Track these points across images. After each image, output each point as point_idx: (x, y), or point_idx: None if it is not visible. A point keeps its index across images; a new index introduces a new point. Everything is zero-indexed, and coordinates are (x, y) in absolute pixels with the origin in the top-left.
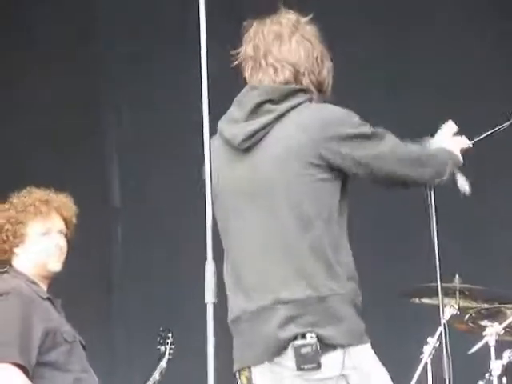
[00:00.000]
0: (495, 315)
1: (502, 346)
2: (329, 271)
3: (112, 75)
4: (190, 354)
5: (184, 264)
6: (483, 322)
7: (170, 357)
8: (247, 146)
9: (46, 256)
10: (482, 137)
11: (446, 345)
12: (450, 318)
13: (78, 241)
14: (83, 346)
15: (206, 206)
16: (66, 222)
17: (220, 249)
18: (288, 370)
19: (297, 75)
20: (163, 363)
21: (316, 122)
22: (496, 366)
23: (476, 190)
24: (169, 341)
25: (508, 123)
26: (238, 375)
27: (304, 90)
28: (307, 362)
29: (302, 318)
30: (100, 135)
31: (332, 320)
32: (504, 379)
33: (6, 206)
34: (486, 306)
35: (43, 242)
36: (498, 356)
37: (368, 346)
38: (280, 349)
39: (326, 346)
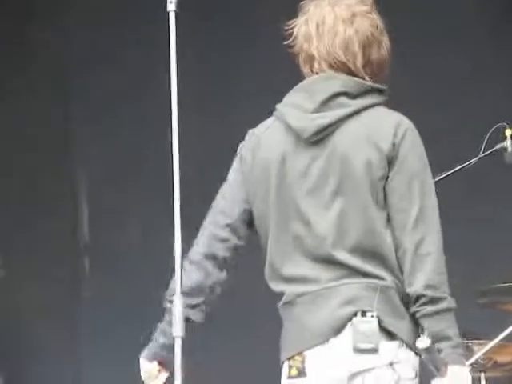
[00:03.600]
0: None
1: None
2: (396, 266)
3: (82, 114)
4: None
5: (154, 301)
6: None
7: None
8: (316, 140)
9: None
10: (448, 173)
11: None
12: None
13: (44, 272)
14: None
15: (174, 241)
16: None
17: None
18: (341, 354)
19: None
20: None
21: (389, 130)
22: None
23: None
24: None
25: (475, 159)
26: (286, 364)
27: (381, 91)
28: (365, 340)
29: (365, 300)
30: (69, 170)
31: (394, 312)
32: None
33: None
34: None
35: None
36: None
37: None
38: (338, 328)
39: (384, 331)
